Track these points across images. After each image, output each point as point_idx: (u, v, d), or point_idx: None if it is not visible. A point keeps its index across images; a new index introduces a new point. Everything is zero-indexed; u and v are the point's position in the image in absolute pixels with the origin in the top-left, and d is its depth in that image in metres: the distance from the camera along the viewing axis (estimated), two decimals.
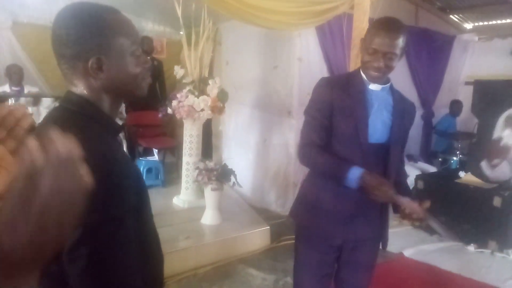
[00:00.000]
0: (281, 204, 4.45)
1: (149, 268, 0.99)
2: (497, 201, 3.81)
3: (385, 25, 1.57)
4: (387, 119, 1.66)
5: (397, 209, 1.58)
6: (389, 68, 1.59)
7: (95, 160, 0.76)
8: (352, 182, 1.52)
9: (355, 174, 1.51)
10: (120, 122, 5.32)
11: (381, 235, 1.80)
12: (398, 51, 1.56)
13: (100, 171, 0.77)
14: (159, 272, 1.07)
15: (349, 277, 1.82)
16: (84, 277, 0.81)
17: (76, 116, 0.91)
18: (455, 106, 6.27)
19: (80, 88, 0.94)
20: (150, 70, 1.03)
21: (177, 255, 3.15)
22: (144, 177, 4.82)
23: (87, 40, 0.89)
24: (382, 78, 1.64)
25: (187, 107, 3.81)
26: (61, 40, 0.90)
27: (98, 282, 0.82)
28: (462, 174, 4.40)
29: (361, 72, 1.67)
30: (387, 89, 1.69)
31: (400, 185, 1.69)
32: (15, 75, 4.50)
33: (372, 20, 2.81)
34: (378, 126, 1.63)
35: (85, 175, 0.57)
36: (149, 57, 5.52)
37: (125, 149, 4.83)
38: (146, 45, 5.57)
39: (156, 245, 1.06)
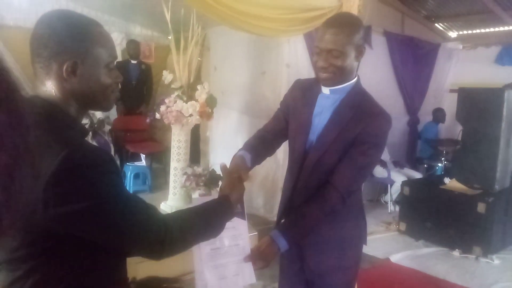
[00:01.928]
0: (269, 209, 4.45)
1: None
2: (481, 207, 3.87)
3: (328, 21, 1.46)
4: (323, 124, 1.54)
5: None
6: (337, 68, 1.43)
7: (71, 155, 0.86)
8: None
9: (236, 155, 1.57)
10: (107, 128, 5.32)
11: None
12: (343, 48, 1.40)
13: (92, 167, 0.89)
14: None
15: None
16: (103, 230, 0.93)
17: (41, 119, 0.93)
18: (438, 114, 6.38)
19: (49, 89, 0.97)
20: (118, 86, 1.08)
21: (163, 261, 3.11)
22: (131, 183, 4.81)
23: (68, 43, 0.95)
24: (333, 80, 1.48)
25: (175, 112, 3.79)
26: (42, 39, 0.95)
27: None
28: (447, 180, 4.46)
29: None
30: (342, 91, 1.52)
31: (297, 210, 1.53)
32: None
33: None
34: (316, 133, 1.55)
35: None
36: (136, 61, 5.53)
37: (112, 153, 4.79)
38: (132, 49, 5.55)
39: None
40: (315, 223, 1.48)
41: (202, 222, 1.13)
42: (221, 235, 1.32)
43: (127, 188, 4.47)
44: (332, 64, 1.43)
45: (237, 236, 1.40)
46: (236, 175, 1.39)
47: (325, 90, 1.56)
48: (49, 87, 0.97)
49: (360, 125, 1.45)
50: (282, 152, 4.28)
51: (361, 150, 1.45)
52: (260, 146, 1.62)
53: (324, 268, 1.61)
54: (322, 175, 1.50)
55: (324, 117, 1.54)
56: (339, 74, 1.46)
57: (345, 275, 1.65)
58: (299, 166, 1.58)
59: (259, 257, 1.41)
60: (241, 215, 1.42)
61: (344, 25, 1.43)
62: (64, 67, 0.94)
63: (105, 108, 1.09)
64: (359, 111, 1.48)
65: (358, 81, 1.56)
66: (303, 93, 1.62)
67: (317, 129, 1.55)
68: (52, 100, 0.97)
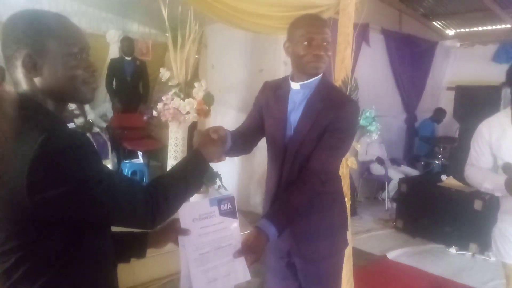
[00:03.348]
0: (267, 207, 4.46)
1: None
2: (478, 204, 3.89)
3: (312, 16, 1.62)
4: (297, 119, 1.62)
5: None
6: (328, 58, 1.56)
7: (61, 141, 0.89)
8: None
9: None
10: (103, 124, 5.31)
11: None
12: (329, 40, 1.55)
13: (71, 148, 0.90)
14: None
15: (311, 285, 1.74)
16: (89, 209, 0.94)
17: (20, 112, 0.94)
18: (439, 114, 6.39)
19: (23, 88, 0.99)
20: (95, 74, 1.06)
21: (161, 258, 3.11)
22: None
23: (23, 39, 0.95)
24: (322, 69, 1.58)
25: (172, 109, 3.79)
26: (4, 40, 0.97)
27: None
28: (444, 177, 4.48)
29: (289, 76, 1.69)
30: (311, 85, 1.61)
31: (283, 195, 1.57)
32: None
33: (357, 25, 2.85)
34: (293, 127, 1.62)
35: None
36: (130, 58, 5.52)
37: (108, 151, 4.79)
38: (126, 46, 5.53)
39: None
40: (299, 207, 1.52)
41: (182, 183, 1.13)
42: (211, 238, 1.31)
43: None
44: (325, 54, 1.54)
45: (229, 236, 1.37)
46: (211, 133, 1.38)
47: (296, 85, 1.64)
48: (21, 84, 0.98)
49: (331, 114, 1.54)
50: None
51: (331, 134, 1.55)
52: (239, 139, 1.63)
53: (317, 255, 1.66)
54: (303, 165, 1.58)
55: (298, 112, 1.62)
56: (326, 63, 1.59)
57: (336, 260, 1.74)
58: (281, 161, 1.64)
59: (248, 251, 1.38)
60: (232, 214, 1.39)
61: (327, 22, 1.60)
62: (21, 62, 0.95)
63: (81, 101, 1.07)
64: (328, 102, 1.57)
65: (324, 75, 1.66)
66: (274, 92, 1.70)
67: (293, 124, 1.62)
68: (28, 96, 0.98)
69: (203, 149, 1.27)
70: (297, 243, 1.67)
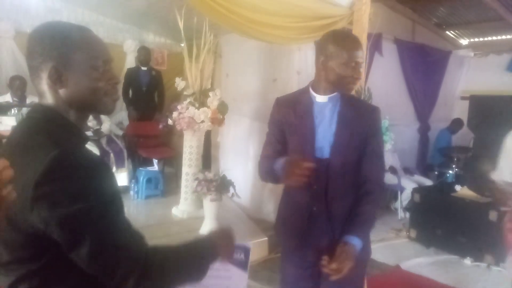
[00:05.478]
0: None
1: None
2: (493, 215, 3.85)
3: (355, 39, 1.65)
4: (333, 131, 1.64)
5: None
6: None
7: (71, 159, 0.87)
8: (279, 171, 1.55)
9: (279, 162, 1.55)
10: (120, 132, 5.41)
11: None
12: None
13: (78, 168, 0.87)
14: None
15: None
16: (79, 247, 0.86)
17: (41, 123, 0.96)
18: (456, 125, 6.34)
19: (47, 99, 1.00)
20: (117, 86, 1.07)
21: None
22: (144, 187, 4.87)
23: (49, 51, 0.96)
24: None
25: (187, 118, 3.86)
26: (30, 51, 0.98)
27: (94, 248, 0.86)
28: (458, 187, 4.44)
29: (310, 88, 1.69)
30: (337, 97, 1.66)
31: (357, 209, 1.61)
32: (19, 87, 4.53)
33: (370, 35, 2.88)
34: (326, 139, 1.63)
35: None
36: (146, 67, 5.63)
37: (125, 158, 4.87)
38: (143, 56, 5.66)
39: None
40: (373, 217, 1.64)
41: (183, 262, 1.04)
42: (211, 282, 1.16)
43: (139, 193, 4.42)
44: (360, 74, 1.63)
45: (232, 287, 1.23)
46: (229, 231, 1.25)
47: (322, 98, 1.65)
48: (47, 98, 1.00)
49: (364, 121, 1.64)
50: None
51: (375, 142, 1.65)
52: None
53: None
54: (351, 175, 1.64)
55: (328, 123, 1.63)
56: None
57: (362, 266, 1.74)
58: (324, 174, 1.63)
59: (343, 261, 1.45)
60: (243, 265, 1.27)
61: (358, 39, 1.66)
62: (48, 74, 0.96)
63: (103, 112, 1.07)
64: (359, 110, 1.66)
65: None
66: (293, 108, 1.69)
67: (324, 136, 1.62)
68: (52, 107, 0.99)
69: (219, 241, 1.17)
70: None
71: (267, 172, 1.70)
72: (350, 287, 1.74)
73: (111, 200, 0.91)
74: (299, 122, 1.66)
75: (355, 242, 1.53)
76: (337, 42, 1.58)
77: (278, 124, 1.73)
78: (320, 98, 1.65)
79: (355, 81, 1.61)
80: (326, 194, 1.64)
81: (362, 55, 1.60)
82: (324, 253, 1.63)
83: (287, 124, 1.69)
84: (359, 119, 1.63)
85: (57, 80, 0.97)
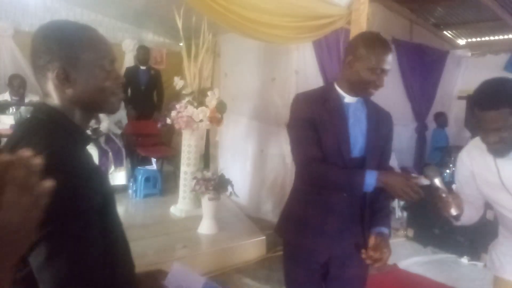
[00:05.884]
0: (277, 214, 4.45)
1: (119, 272, 1.00)
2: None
3: (382, 43, 1.59)
4: (364, 131, 1.66)
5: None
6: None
7: (56, 162, 0.80)
8: (370, 186, 1.49)
9: (371, 177, 1.48)
10: (118, 131, 5.41)
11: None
12: None
13: (60, 172, 0.77)
14: (130, 278, 1.07)
15: None
16: (44, 271, 0.83)
17: (43, 124, 0.95)
18: (440, 119, 6.37)
19: (52, 99, 0.99)
20: (121, 86, 1.07)
21: None
22: (142, 186, 4.87)
23: (56, 50, 0.95)
24: None
25: (186, 117, 3.87)
26: (35, 50, 0.97)
27: (57, 276, 0.82)
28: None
29: (336, 86, 1.67)
30: (362, 100, 1.70)
31: (377, 205, 1.70)
32: (18, 86, 4.52)
33: None
34: (358, 139, 1.64)
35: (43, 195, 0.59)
36: (145, 67, 5.64)
37: (123, 157, 4.87)
38: (142, 55, 5.66)
39: (124, 251, 1.07)
40: (390, 212, 1.78)
41: None
42: None
43: (137, 192, 4.35)
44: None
45: None
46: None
47: (350, 99, 1.67)
48: (52, 97, 0.99)
49: (385, 125, 1.73)
50: (290, 157, 4.32)
51: (390, 145, 1.78)
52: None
53: (358, 257, 1.65)
54: None
55: (358, 124, 1.66)
56: None
57: (367, 266, 1.78)
58: None
59: (382, 250, 1.55)
60: None
61: (389, 46, 1.63)
62: (55, 74, 0.95)
63: (109, 111, 1.07)
64: (379, 114, 1.74)
65: None
66: (323, 105, 1.63)
67: (356, 136, 1.64)
68: (57, 107, 0.98)
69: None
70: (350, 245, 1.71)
71: (335, 179, 1.58)
72: (354, 286, 1.79)
73: (84, 219, 0.86)
74: (331, 121, 1.61)
75: (387, 232, 1.66)
76: (368, 45, 1.56)
77: (311, 121, 1.62)
78: (349, 99, 1.66)
79: (376, 88, 1.61)
80: (364, 196, 1.64)
81: (390, 63, 1.57)
82: (335, 253, 1.70)
83: (319, 121, 1.62)
84: (382, 122, 1.72)
85: (64, 80, 0.96)
